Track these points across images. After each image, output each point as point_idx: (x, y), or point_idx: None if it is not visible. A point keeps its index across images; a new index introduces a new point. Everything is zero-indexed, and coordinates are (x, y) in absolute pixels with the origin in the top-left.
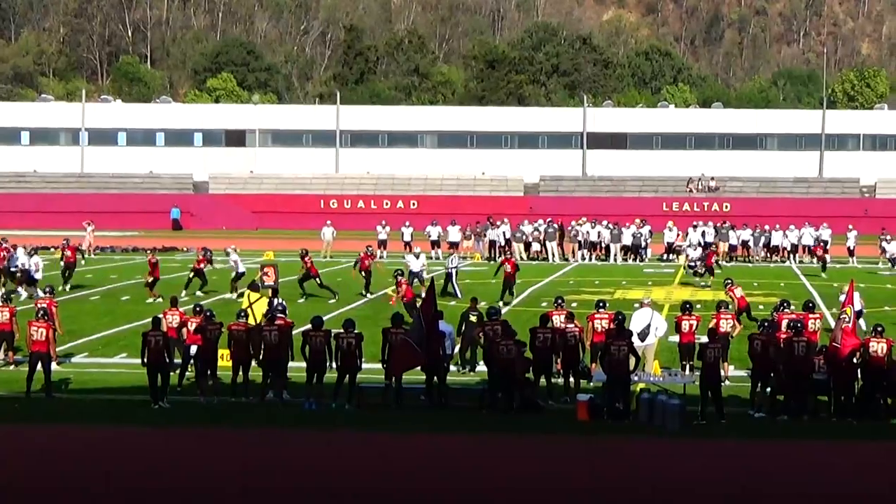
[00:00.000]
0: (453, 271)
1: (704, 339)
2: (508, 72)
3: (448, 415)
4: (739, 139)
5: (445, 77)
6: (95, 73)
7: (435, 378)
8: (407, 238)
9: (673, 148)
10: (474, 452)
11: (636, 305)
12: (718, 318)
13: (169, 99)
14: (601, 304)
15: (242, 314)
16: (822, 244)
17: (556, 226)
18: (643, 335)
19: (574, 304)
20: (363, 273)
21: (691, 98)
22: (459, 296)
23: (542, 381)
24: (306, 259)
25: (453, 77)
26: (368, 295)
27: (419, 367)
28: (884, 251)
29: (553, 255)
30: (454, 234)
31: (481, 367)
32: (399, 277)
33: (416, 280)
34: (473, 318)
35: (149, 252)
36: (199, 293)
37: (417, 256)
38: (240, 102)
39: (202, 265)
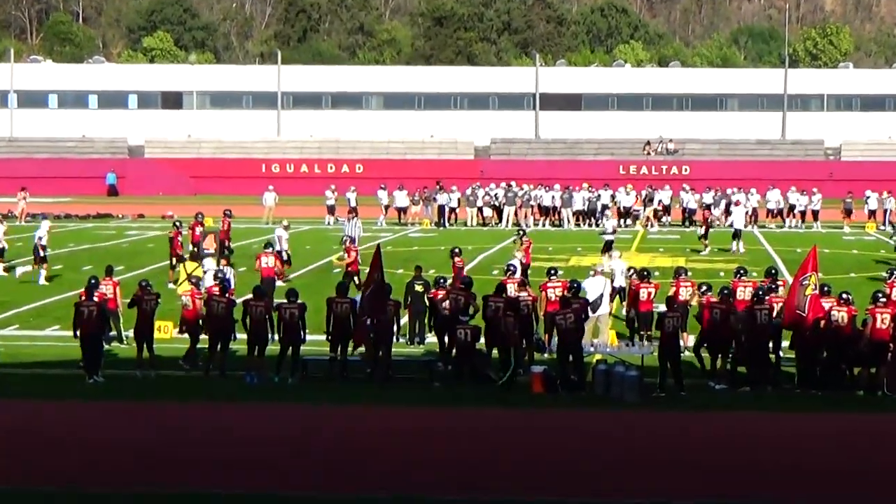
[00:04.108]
0: (356, 237)
1: (663, 307)
2: (457, 29)
3: (396, 388)
4: (698, 100)
5: (391, 35)
6: (24, 31)
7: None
8: (353, 204)
9: (629, 109)
10: (424, 426)
11: (591, 273)
12: (678, 286)
13: (102, 59)
14: (553, 272)
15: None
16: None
17: (515, 190)
18: (595, 305)
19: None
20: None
21: (646, 57)
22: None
23: (495, 352)
24: (224, 220)
25: (400, 35)
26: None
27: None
28: (848, 214)
29: (508, 220)
30: (401, 199)
31: (430, 338)
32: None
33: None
34: (419, 288)
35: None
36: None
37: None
38: (176, 62)
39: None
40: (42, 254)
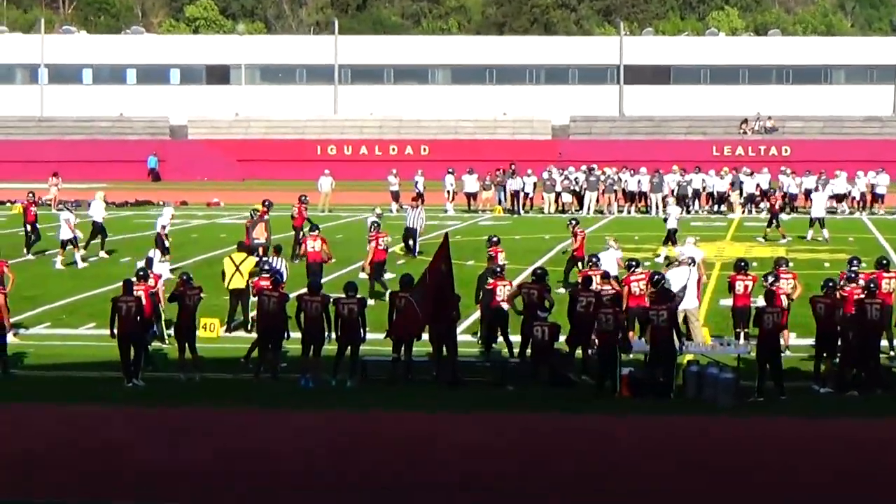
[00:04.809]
0: (418, 228)
1: (761, 302)
2: None
3: (464, 391)
4: (800, 72)
5: (460, 2)
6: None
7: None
8: (420, 188)
9: (723, 83)
10: (494, 433)
11: (675, 263)
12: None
13: (141, 29)
14: (634, 264)
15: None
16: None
17: (598, 174)
18: (678, 298)
19: None
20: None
21: (742, 25)
22: (415, 255)
23: (578, 352)
24: (300, 206)
25: (469, 2)
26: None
27: (427, 337)
28: None
29: (590, 207)
30: (471, 183)
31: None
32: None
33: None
34: None
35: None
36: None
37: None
38: (223, 33)
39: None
40: (165, 244)
